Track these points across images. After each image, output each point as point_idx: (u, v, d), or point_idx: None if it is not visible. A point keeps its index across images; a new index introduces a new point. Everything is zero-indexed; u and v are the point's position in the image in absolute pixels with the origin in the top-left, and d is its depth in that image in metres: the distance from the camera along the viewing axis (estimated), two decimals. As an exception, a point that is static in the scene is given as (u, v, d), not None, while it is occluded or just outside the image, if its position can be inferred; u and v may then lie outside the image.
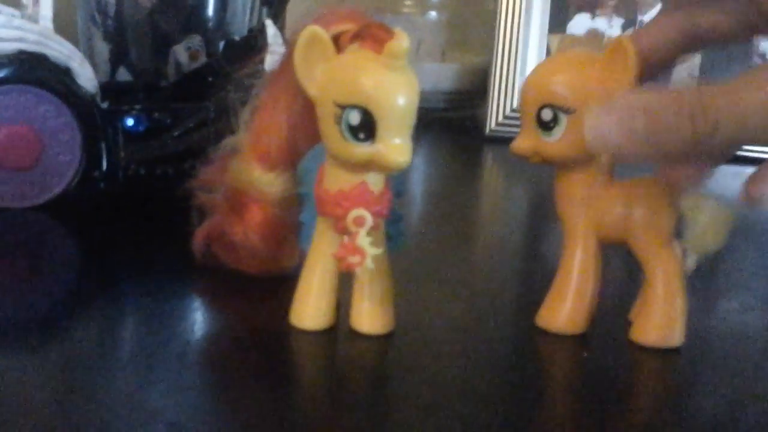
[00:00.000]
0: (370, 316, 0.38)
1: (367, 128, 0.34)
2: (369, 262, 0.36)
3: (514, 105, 0.87)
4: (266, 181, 0.40)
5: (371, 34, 0.35)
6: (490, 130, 0.89)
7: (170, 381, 0.34)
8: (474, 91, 0.97)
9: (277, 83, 0.39)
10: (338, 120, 0.34)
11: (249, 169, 0.40)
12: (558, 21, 0.89)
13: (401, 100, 0.34)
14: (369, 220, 0.36)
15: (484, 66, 0.92)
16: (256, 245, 0.41)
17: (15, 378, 0.34)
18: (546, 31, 0.89)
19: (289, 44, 0.39)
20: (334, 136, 0.35)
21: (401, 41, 0.33)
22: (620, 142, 0.32)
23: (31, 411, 0.31)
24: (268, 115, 0.39)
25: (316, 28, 0.35)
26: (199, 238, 0.43)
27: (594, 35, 0.38)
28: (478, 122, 0.92)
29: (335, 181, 0.36)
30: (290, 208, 0.40)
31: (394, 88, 0.34)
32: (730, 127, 0.31)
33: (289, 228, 0.40)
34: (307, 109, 0.37)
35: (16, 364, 0.35)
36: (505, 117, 0.88)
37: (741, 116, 0.30)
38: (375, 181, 0.36)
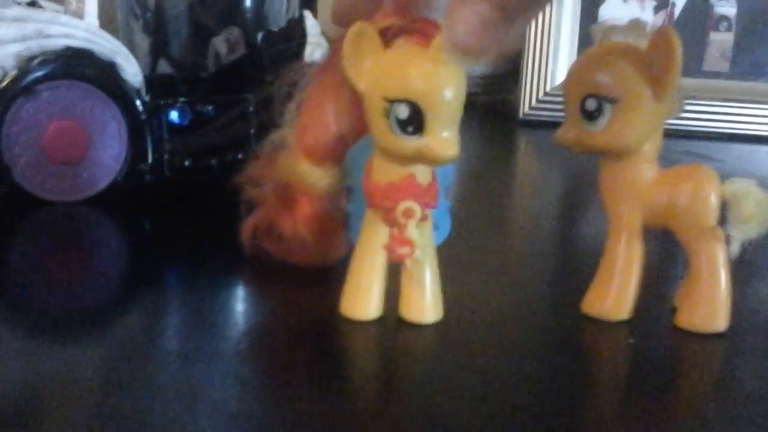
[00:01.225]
0: (419, 306, 0.39)
1: (415, 122, 0.35)
2: (418, 253, 0.37)
3: (548, 89, 0.88)
4: (314, 176, 0.40)
5: (417, 29, 0.35)
6: (524, 114, 0.89)
7: (225, 372, 0.34)
8: (507, 74, 0.97)
9: (323, 77, 0.40)
10: (387, 114, 0.35)
11: (296, 164, 0.40)
12: (590, 4, 0.90)
13: (449, 94, 0.34)
14: (418, 211, 0.36)
15: (516, 50, 0.92)
16: (305, 238, 0.41)
17: (66, 368, 0.34)
18: (578, 15, 0.89)
19: (335, 38, 0.40)
20: (382, 130, 0.35)
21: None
22: (482, 39, 0.31)
23: (82, 400, 0.32)
24: (314, 110, 0.40)
25: (364, 24, 0.35)
26: (246, 230, 0.43)
27: (636, 24, 0.38)
28: (512, 106, 0.92)
29: (384, 173, 0.37)
30: (338, 200, 0.41)
31: (441, 82, 0.34)
32: None
33: (338, 220, 0.41)
34: (353, 102, 0.37)
35: (67, 354, 0.36)
36: (539, 101, 0.88)
37: None
38: (423, 174, 0.37)
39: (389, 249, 0.37)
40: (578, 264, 0.42)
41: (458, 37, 0.32)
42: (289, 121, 0.41)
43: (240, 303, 0.43)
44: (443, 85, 0.34)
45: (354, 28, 0.35)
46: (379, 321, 0.39)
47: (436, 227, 0.39)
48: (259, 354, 0.37)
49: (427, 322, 0.39)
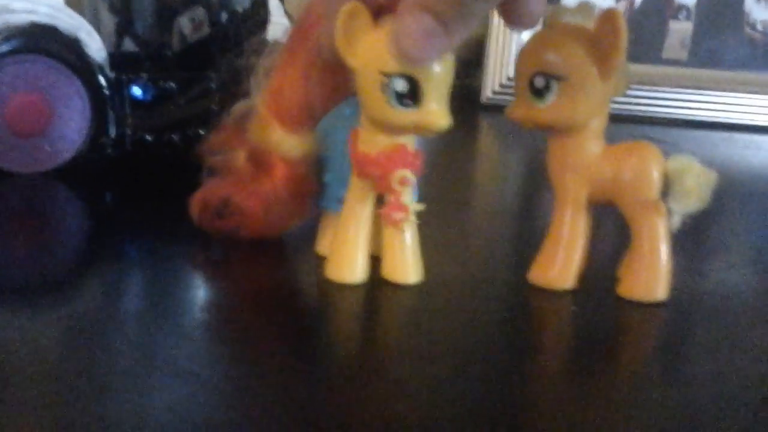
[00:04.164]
0: (403, 267, 0.41)
1: (413, 95, 0.36)
2: (413, 217, 0.39)
3: (510, 74, 0.89)
4: (287, 144, 0.41)
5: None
6: (486, 99, 0.91)
7: (184, 336, 0.35)
8: (470, 60, 0.98)
9: (295, 46, 0.41)
10: (384, 88, 0.36)
11: (269, 131, 0.41)
12: (553, -9, 0.91)
13: (443, 69, 0.37)
14: (412, 179, 0.39)
15: (479, 36, 0.93)
16: (283, 197, 0.42)
17: (28, 335, 0.35)
18: None
19: (306, 8, 0.41)
20: (378, 103, 0.37)
21: None
22: (423, 46, 0.34)
23: (45, 365, 0.32)
24: (286, 77, 0.41)
25: (356, 3, 0.36)
26: (195, 205, 0.44)
27: (585, 6, 0.39)
28: (475, 91, 0.93)
29: (374, 144, 0.38)
30: (312, 166, 0.42)
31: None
32: None
33: (312, 184, 0.43)
34: (325, 73, 0.39)
35: (29, 322, 0.36)
36: (501, 86, 0.90)
37: None
38: (411, 143, 0.39)
39: (385, 215, 0.39)
40: (532, 238, 0.43)
41: (403, 46, 0.34)
42: (257, 89, 0.42)
43: (200, 274, 0.44)
44: (439, 60, 0.36)
45: (346, 7, 0.36)
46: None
47: None
48: (219, 319, 0.38)
49: (411, 283, 0.41)
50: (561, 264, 0.41)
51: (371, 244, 0.41)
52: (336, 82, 0.40)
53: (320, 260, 0.42)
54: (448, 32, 0.33)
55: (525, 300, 0.42)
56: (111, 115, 0.55)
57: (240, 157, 0.43)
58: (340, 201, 0.41)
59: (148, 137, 0.56)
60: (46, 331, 0.36)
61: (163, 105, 0.57)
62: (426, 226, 0.50)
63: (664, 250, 0.40)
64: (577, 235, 0.41)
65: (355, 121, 0.40)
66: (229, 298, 0.41)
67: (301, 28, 0.41)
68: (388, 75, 0.36)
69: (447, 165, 0.72)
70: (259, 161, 0.43)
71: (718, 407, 0.32)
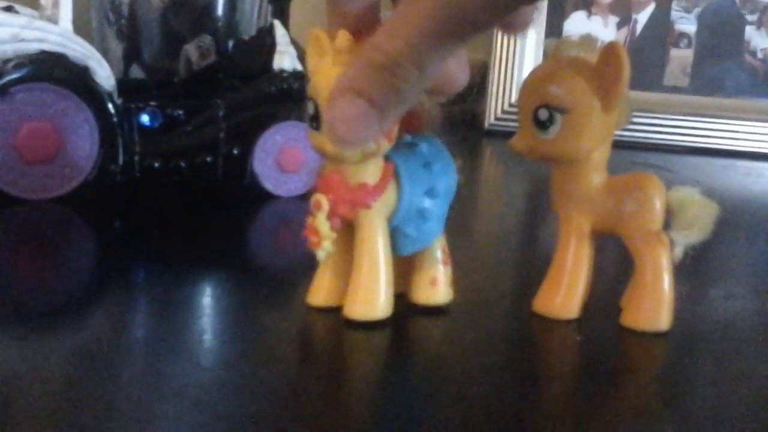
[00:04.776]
0: (360, 302, 0.40)
1: (317, 119, 0.37)
2: (327, 245, 0.38)
3: (513, 100, 0.90)
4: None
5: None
6: (489, 125, 0.91)
7: (190, 361, 0.36)
8: (473, 86, 0.99)
9: None
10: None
11: None
12: (555, 18, 0.92)
13: None
14: (325, 205, 0.38)
15: (482, 61, 0.94)
16: None
17: (36, 363, 0.35)
18: (543, 28, 0.91)
19: None
20: None
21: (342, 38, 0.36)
22: (358, 131, 0.33)
23: (52, 393, 0.33)
24: None
25: (316, 30, 0.37)
26: None
27: (588, 39, 0.40)
28: (478, 116, 0.94)
29: (327, 165, 0.39)
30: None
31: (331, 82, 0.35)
32: (429, 42, 0.31)
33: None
34: None
35: (37, 347, 0.37)
36: (504, 111, 0.90)
37: (428, 26, 0.31)
38: (354, 173, 0.39)
39: (302, 237, 0.39)
40: (537, 267, 0.43)
41: (338, 132, 0.33)
42: None
43: (205, 298, 0.44)
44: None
45: (309, 34, 0.38)
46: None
47: (406, 235, 0.41)
48: (222, 344, 0.38)
49: (365, 319, 0.40)
50: (565, 294, 0.41)
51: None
52: None
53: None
54: (383, 116, 0.33)
55: (529, 329, 0.42)
56: (120, 142, 0.56)
57: None
58: None
59: (156, 164, 0.57)
60: (54, 358, 0.36)
61: (171, 132, 0.58)
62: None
63: (666, 281, 0.40)
64: (580, 265, 0.41)
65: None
66: (229, 323, 0.41)
67: None
68: (309, 97, 0.37)
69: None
70: None
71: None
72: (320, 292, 0.41)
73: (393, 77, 0.32)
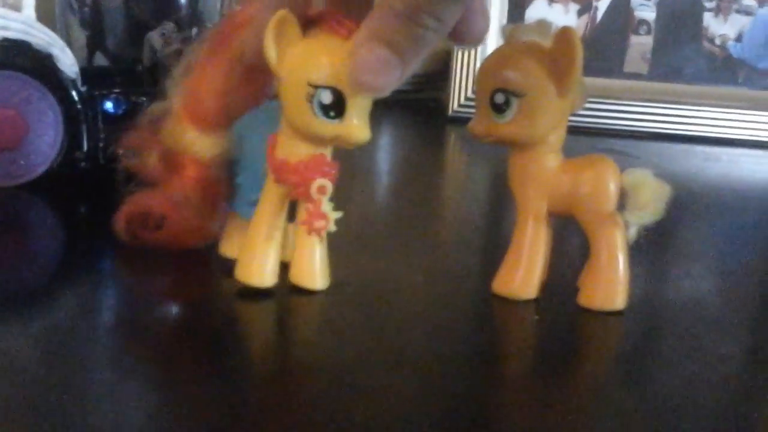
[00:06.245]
0: (311, 273, 0.41)
1: (337, 107, 0.37)
2: (332, 226, 0.40)
3: (476, 87, 0.91)
4: (200, 144, 0.42)
5: (331, 26, 0.37)
6: (453, 111, 0.92)
7: (145, 348, 0.37)
8: (437, 73, 1.00)
9: (215, 50, 0.41)
10: (310, 98, 0.37)
11: (183, 131, 0.42)
12: (517, 6, 0.93)
13: None
14: (330, 188, 0.39)
15: (446, 49, 0.95)
16: (192, 199, 0.42)
17: (3, 347, 0.36)
18: (505, 16, 0.92)
19: (231, 15, 0.42)
20: (303, 113, 0.38)
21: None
22: (381, 78, 0.35)
23: (21, 377, 0.33)
24: (205, 79, 0.41)
25: (285, 12, 0.37)
26: (120, 220, 0.44)
27: (542, 24, 0.41)
28: (441, 103, 0.95)
29: (294, 151, 0.39)
30: (224, 168, 0.43)
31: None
32: None
33: (222, 187, 0.43)
34: (244, 76, 0.40)
35: (4, 334, 0.37)
36: (467, 98, 0.91)
37: None
38: (327, 152, 0.40)
39: (306, 224, 0.40)
40: (497, 249, 0.44)
41: (360, 78, 0.35)
42: (174, 90, 0.43)
43: (161, 282, 0.45)
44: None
45: (277, 16, 0.37)
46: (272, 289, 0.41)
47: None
48: (168, 327, 0.40)
49: (318, 288, 0.42)
50: (523, 274, 0.42)
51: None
52: (255, 87, 0.41)
53: (227, 261, 0.43)
54: (404, 62, 0.34)
55: (489, 309, 0.43)
56: (84, 129, 0.56)
57: (152, 158, 0.44)
58: (252, 204, 0.42)
59: (121, 151, 0.57)
60: (22, 343, 0.37)
61: (135, 119, 0.58)
62: (391, 236, 0.52)
63: (621, 261, 0.41)
64: (538, 246, 0.42)
65: (270, 126, 0.40)
66: (176, 306, 0.42)
67: (222, 31, 0.41)
68: (315, 86, 0.37)
69: (414, 176, 0.74)
70: (170, 162, 0.43)
71: (676, 413, 0.33)
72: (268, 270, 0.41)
73: (413, 24, 0.33)
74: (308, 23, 0.38)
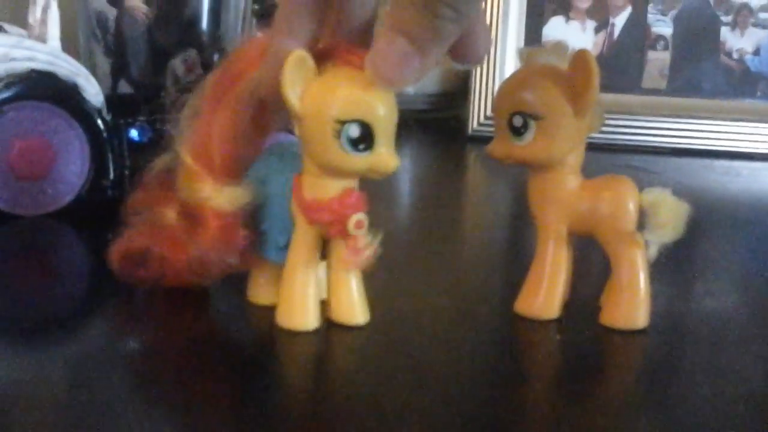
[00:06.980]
0: (351, 308, 0.41)
1: (366, 140, 0.37)
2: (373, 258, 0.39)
3: (494, 106, 0.91)
4: (222, 196, 0.40)
5: (343, 57, 0.37)
6: (473, 130, 0.92)
7: (175, 374, 0.37)
8: (456, 92, 1.00)
9: (221, 94, 0.40)
10: (337, 134, 0.37)
11: (200, 184, 0.40)
12: (534, 24, 0.93)
13: (393, 114, 0.38)
14: (366, 221, 0.39)
15: (465, 68, 0.95)
16: (220, 251, 0.40)
17: (31, 375, 0.36)
18: (523, 34, 0.93)
19: (235, 56, 0.41)
20: (331, 150, 0.37)
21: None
22: (400, 70, 0.35)
23: (48, 402, 0.34)
24: (214, 126, 0.40)
25: (302, 52, 0.36)
26: (115, 256, 0.43)
27: (558, 46, 0.42)
28: (461, 123, 0.95)
29: (323, 190, 0.39)
30: (244, 216, 0.41)
31: (387, 101, 0.37)
32: None
33: (246, 235, 0.41)
34: (252, 119, 0.39)
35: (32, 362, 0.37)
36: (487, 117, 0.92)
37: None
38: (355, 184, 0.39)
39: (350, 259, 0.39)
40: (519, 269, 0.44)
41: (380, 70, 0.35)
42: (180, 141, 0.41)
43: (192, 310, 0.44)
44: (388, 104, 0.37)
45: (294, 56, 0.36)
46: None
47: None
48: (210, 355, 0.40)
49: (361, 324, 0.41)
50: (545, 294, 0.43)
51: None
52: (262, 127, 0.40)
53: (254, 308, 0.43)
54: (424, 55, 0.34)
55: (511, 330, 0.43)
56: (110, 157, 0.57)
57: (168, 215, 0.42)
58: (281, 249, 0.41)
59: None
60: (50, 370, 0.37)
61: (160, 146, 0.59)
62: (413, 256, 0.52)
63: (642, 280, 0.41)
64: (559, 267, 0.42)
65: (288, 167, 0.40)
66: (220, 334, 0.43)
67: (227, 74, 0.40)
68: (342, 122, 0.36)
69: (434, 196, 0.74)
70: (193, 216, 0.41)
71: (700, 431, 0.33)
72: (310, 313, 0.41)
73: (430, 14, 0.33)
74: (318, 58, 0.37)
